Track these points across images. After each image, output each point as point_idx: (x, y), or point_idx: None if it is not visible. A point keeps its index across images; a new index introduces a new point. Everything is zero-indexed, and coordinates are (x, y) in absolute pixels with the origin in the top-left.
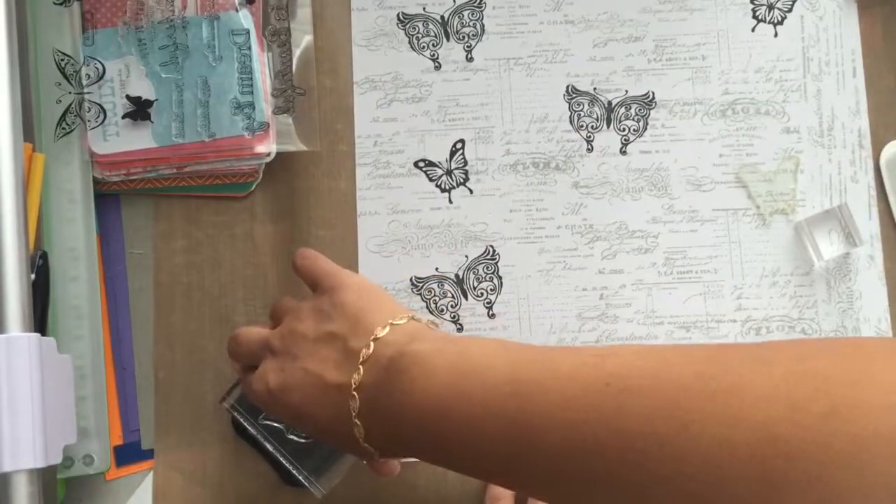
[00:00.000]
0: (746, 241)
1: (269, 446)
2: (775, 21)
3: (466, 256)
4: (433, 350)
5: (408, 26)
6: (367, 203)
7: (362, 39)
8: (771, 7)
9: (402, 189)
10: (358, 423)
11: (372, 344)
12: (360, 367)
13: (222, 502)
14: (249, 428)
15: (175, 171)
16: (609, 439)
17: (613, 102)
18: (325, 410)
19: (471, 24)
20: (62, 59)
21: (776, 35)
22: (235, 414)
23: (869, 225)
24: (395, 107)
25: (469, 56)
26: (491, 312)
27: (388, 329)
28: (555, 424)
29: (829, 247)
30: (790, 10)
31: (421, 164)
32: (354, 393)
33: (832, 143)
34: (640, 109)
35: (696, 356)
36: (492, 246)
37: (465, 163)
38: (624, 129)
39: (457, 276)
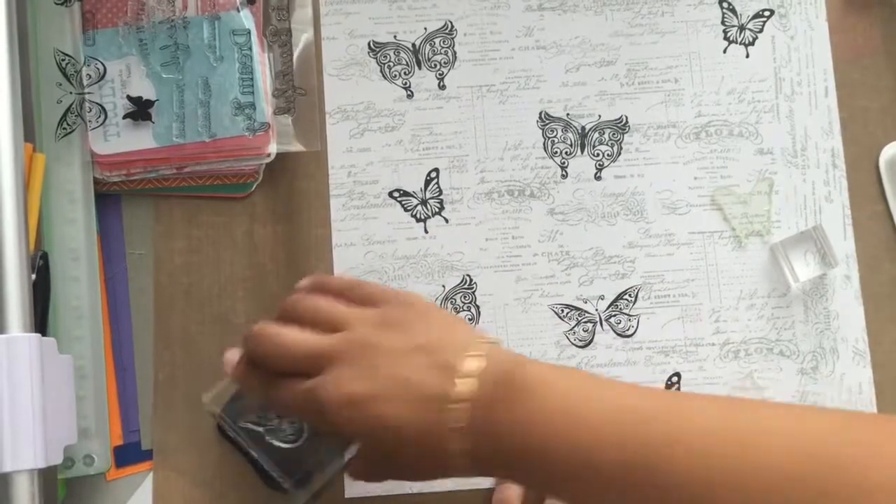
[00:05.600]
0: (723, 264)
1: (251, 450)
2: (746, 42)
3: (444, 286)
4: (553, 370)
5: (379, 55)
6: (343, 234)
7: (333, 69)
8: (742, 28)
9: (378, 220)
10: (458, 436)
11: (480, 359)
12: (467, 379)
13: (222, 503)
14: (230, 431)
15: (175, 171)
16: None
17: (587, 127)
18: (415, 423)
19: (442, 51)
20: (63, 60)
21: (748, 56)
22: (219, 416)
23: (844, 245)
24: (368, 136)
25: (441, 84)
26: None
27: (488, 346)
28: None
29: (804, 269)
30: (761, 31)
31: (396, 193)
32: (457, 405)
33: (806, 163)
34: (613, 134)
35: None
36: (469, 275)
37: (440, 192)
38: (598, 154)
39: None
